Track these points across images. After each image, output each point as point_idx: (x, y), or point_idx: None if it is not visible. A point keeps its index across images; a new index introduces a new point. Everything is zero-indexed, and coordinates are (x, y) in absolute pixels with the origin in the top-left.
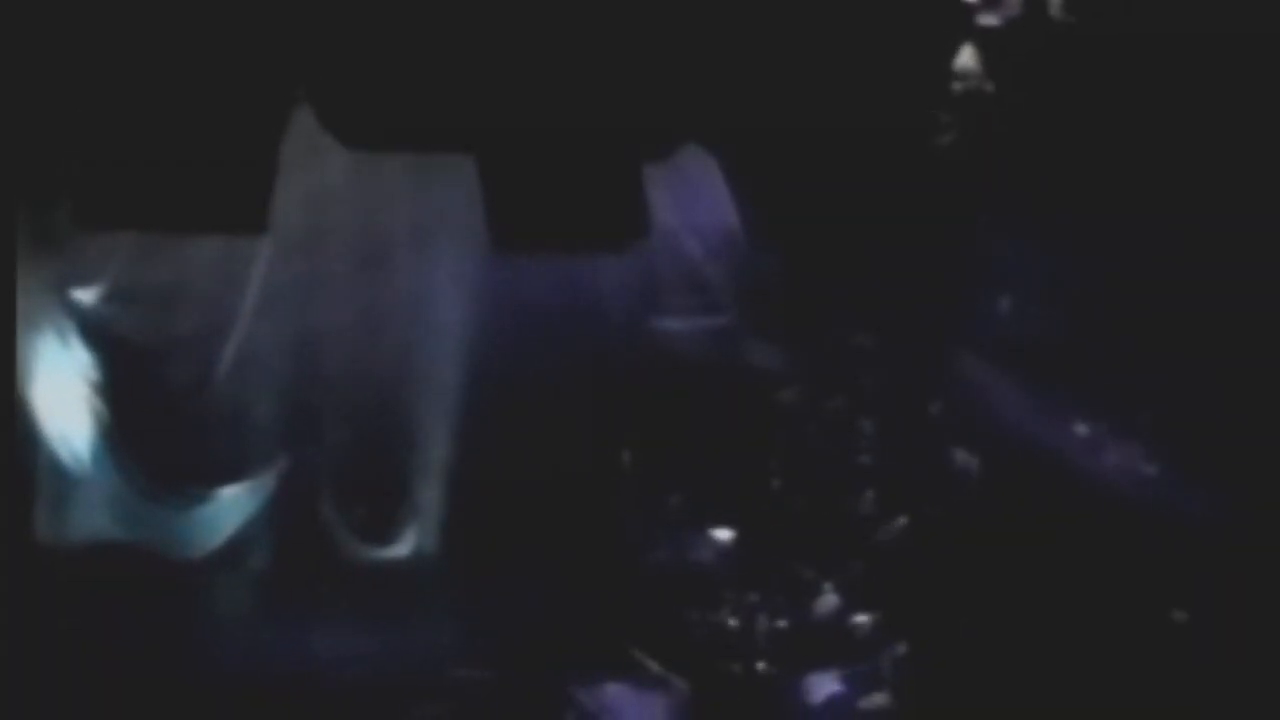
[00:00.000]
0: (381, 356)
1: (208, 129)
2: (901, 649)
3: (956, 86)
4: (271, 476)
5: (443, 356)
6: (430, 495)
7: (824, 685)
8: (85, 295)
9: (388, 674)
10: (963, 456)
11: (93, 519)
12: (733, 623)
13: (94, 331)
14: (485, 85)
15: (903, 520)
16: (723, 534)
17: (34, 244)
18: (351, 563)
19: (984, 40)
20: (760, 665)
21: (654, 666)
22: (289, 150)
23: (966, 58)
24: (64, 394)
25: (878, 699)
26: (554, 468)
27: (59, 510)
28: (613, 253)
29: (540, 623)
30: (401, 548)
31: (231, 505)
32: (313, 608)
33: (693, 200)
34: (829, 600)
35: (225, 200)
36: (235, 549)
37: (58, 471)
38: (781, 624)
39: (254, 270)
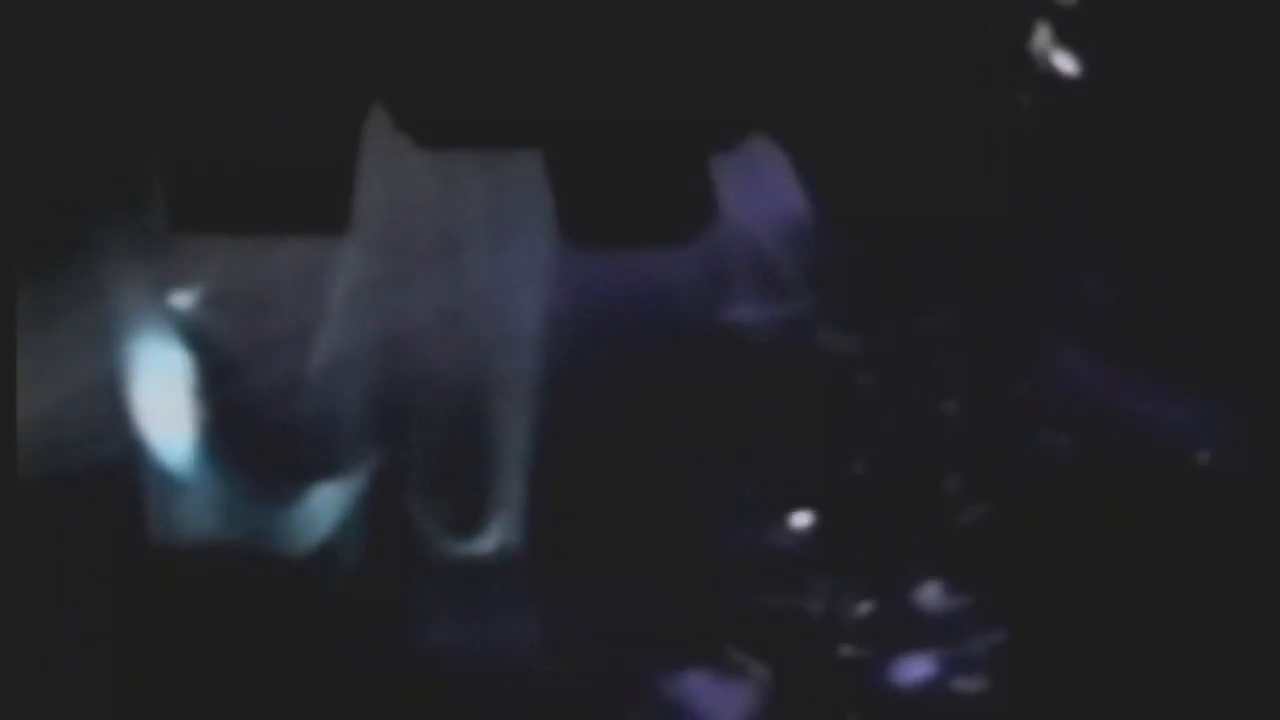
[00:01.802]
0: (461, 353)
1: (290, 132)
2: (998, 633)
3: (1032, 65)
4: (363, 475)
5: (520, 351)
6: (513, 489)
7: (914, 669)
8: (183, 299)
9: (478, 667)
10: (1052, 437)
11: (200, 520)
12: (817, 608)
13: (192, 335)
14: (553, 80)
15: (988, 503)
16: (803, 520)
17: (132, 249)
18: (440, 559)
19: (1060, 18)
20: (847, 650)
21: (736, 655)
22: (367, 151)
23: (1042, 37)
24: (166, 398)
25: (972, 683)
26: (631, 458)
27: (169, 513)
28: (681, 244)
29: (621, 613)
30: (487, 542)
31: (326, 504)
32: (405, 604)
33: (761, 187)
34: (915, 584)
35: (308, 203)
36: (330, 547)
37: (164, 475)
38: (867, 609)
39: (340, 272)
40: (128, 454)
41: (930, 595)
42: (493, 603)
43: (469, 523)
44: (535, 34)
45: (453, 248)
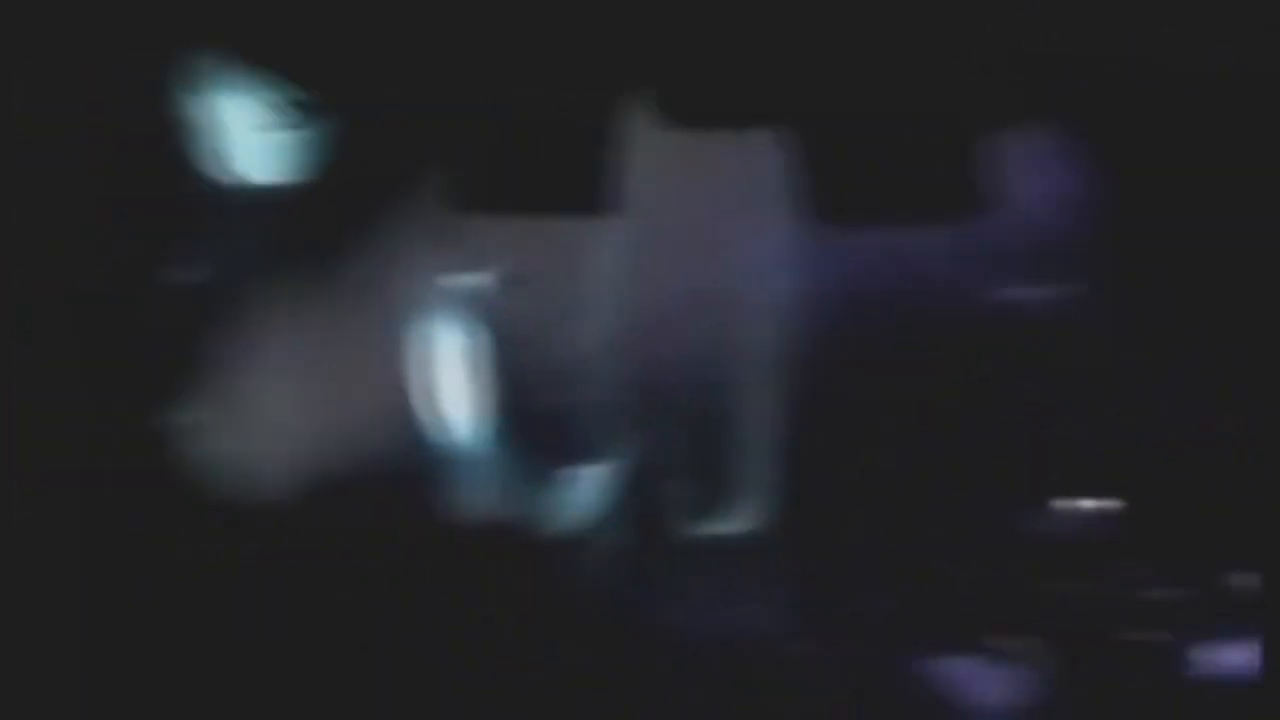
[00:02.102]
0: (712, 336)
1: (554, 115)
2: None
3: None
4: (621, 456)
5: (771, 334)
6: (761, 472)
7: (1227, 658)
8: (468, 280)
9: (729, 649)
10: None
11: (483, 499)
12: (1111, 593)
13: (478, 316)
14: (812, 57)
15: None
16: (1091, 504)
17: (423, 232)
18: (688, 541)
19: None
20: (1147, 637)
21: (1011, 643)
22: (624, 134)
23: None
24: (454, 379)
25: None
26: (885, 441)
27: (457, 492)
28: (951, 225)
29: (877, 598)
30: (735, 524)
31: (590, 484)
32: (656, 584)
33: (1033, 166)
34: (1210, 567)
35: (572, 185)
36: (591, 527)
37: (457, 454)
38: (1165, 593)
39: (601, 254)
40: (418, 437)
41: (1233, 578)
42: (740, 586)
43: (717, 505)
44: (795, 11)
45: (703, 231)
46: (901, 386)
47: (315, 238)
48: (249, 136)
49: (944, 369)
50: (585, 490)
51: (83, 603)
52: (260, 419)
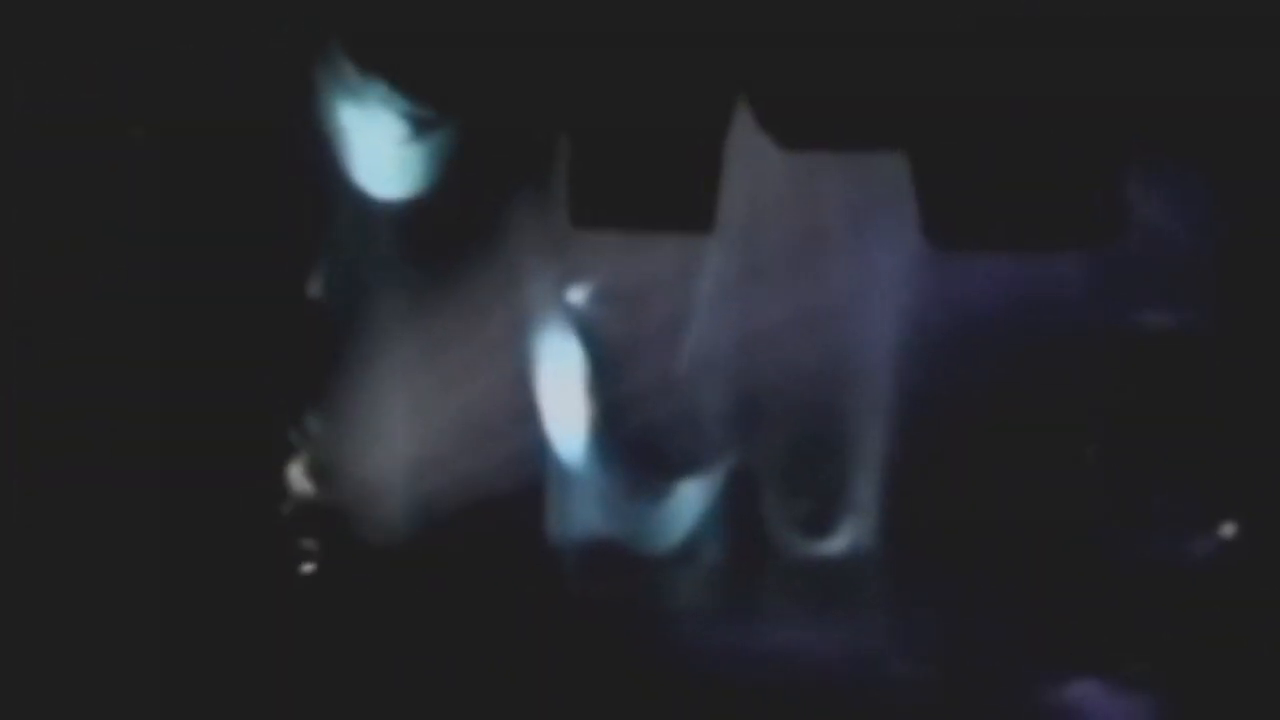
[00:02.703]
0: (819, 354)
1: (662, 129)
2: None
3: None
4: (721, 472)
5: (879, 353)
6: (867, 491)
7: None
8: (577, 295)
9: (831, 668)
10: None
11: (588, 516)
12: (1241, 618)
13: (584, 330)
14: (927, 78)
15: None
16: (1225, 529)
17: (537, 247)
18: (793, 557)
19: None
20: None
21: (1137, 666)
22: (730, 151)
23: None
24: (564, 394)
25: None
26: (997, 466)
27: (563, 508)
28: (1084, 251)
29: (990, 621)
30: (840, 543)
31: (689, 501)
32: (759, 601)
33: (1174, 191)
34: None
35: (678, 202)
36: (691, 544)
37: (562, 470)
38: None
39: (705, 271)
40: (531, 449)
41: None
42: (844, 603)
43: (822, 523)
44: (909, 31)
45: (812, 249)
46: (1018, 406)
47: (430, 251)
48: (377, 149)
49: (1062, 389)
50: (688, 505)
51: (213, 596)
52: (375, 429)
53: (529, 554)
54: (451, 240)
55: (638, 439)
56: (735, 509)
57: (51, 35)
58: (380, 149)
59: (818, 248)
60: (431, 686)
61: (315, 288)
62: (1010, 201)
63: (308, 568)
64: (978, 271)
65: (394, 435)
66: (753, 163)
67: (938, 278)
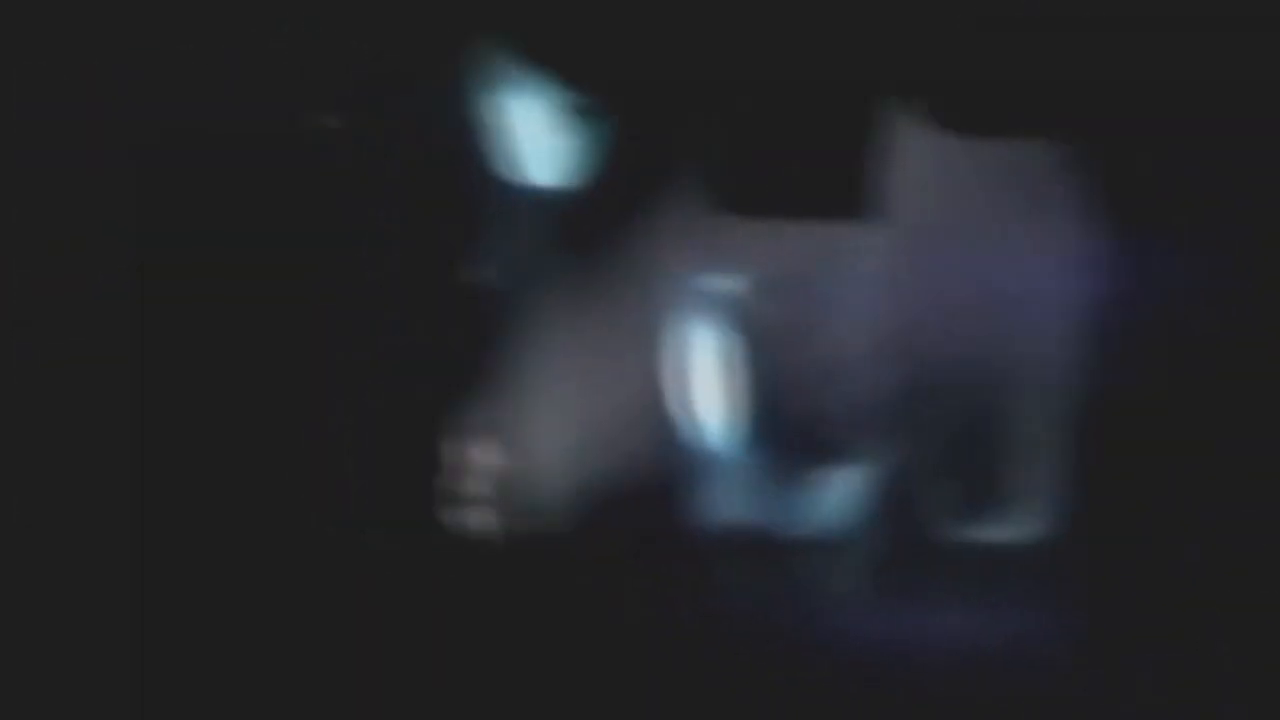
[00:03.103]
0: (983, 341)
1: (819, 117)
2: None
3: None
4: (878, 460)
5: (1047, 341)
6: (1036, 479)
7: None
8: (725, 283)
9: (989, 659)
10: None
11: (734, 503)
12: None
13: (732, 318)
14: (1098, 62)
15: None
16: None
17: (679, 234)
18: (952, 546)
19: None
20: None
21: None
22: (891, 139)
23: None
24: (710, 382)
25: None
26: (1175, 455)
27: (708, 496)
28: (1239, 233)
29: (1166, 612)
30: (1004, 531)
31: (843, 489)
32: (914, 590)
33: None
34: None
35: (835, 189)
36: (844, 532)
37: (707, 458)
38: None
39: (865, 259)
40: (674, 439)
41: None
42: (1008, 594)
43: (985, 511)
44: (1075, 15)
45: (974, 237)
46: (1193, 391)
47: (580, 238)
48: (532, 138)
49: (1235, 374)
50: (841, 494)
51: (360, 585)
52: (528, 418)
53: (673, 541)
54: (600, 229)
55: (788, 427)
56: (892, 497)
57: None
58: (533, 137)
59: (981, 235)
60: (576, 673)
61: (476, 275)
62: (1173, 186)
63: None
64: (1151, 260)
65: (544, 422)
66: (917, 149)
67: (1113, 263)
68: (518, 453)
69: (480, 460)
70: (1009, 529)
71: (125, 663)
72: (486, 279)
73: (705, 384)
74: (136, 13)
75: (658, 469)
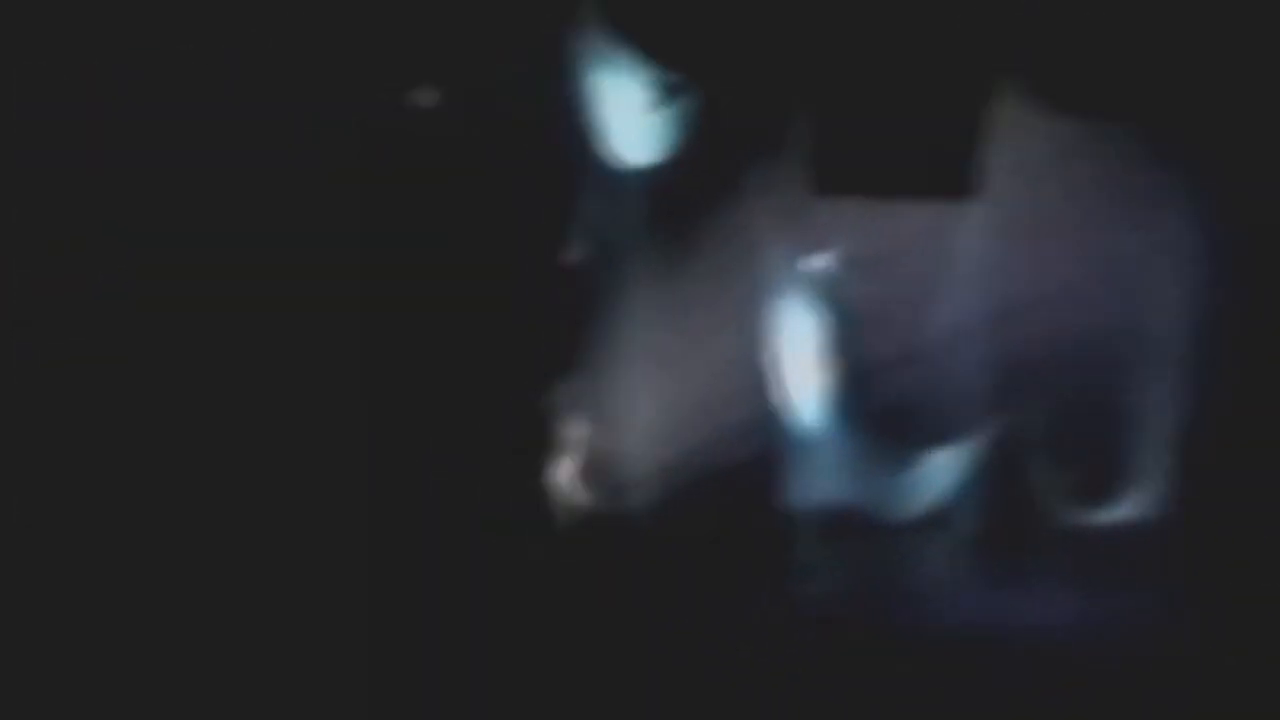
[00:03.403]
0: (1094, 320)
1: (922, 96)
2: None
3: None
4: (979, 442)
5: (1165, 320)
6: (1153, 459)
7: None
8: (818, 262)
9: (1097, 639)
10: None
11: (828, 483)
12: None
13: (824, 298)
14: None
15: None
16: None
17: (776, 214)
18: (1062, 527)
19: None
20: None
21: None
22: (997, 120)
23: None
24: (802, 362)
25: None
26: None
27: (803, 475)
28: None
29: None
30: (1119, 512)
31: (941, 469)
32: (1020, 571)
33: None
34: None
35: (936, 167)
36: (943, 512)
37: (801, 438)
38: None
39: (962, 238)
40: (768, 417)
41: None
42: (1122, 575)
43: (1100, 492)
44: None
45: (1082, 220)
46: None
47: (671, 218)
48: (628, 117)
49: None
50: (941, 474)
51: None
52: (620, 396)
53: (766, 521)
54: (692, 207)
55: (884, 407)
56: (996, 477)
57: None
58: (628, 116)
59: (1089, 219)
60: (669, 656)
61: (571, 255)
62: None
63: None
64: (1256, 242)
65: (636, 403)
66: (1014, 127)
67: (1216, 247)
68: (612, 431)
69: (576, 438)
70: (1119, 510)
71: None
72: (583, 258)
73: (800, 363)
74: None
75: (753, 449)
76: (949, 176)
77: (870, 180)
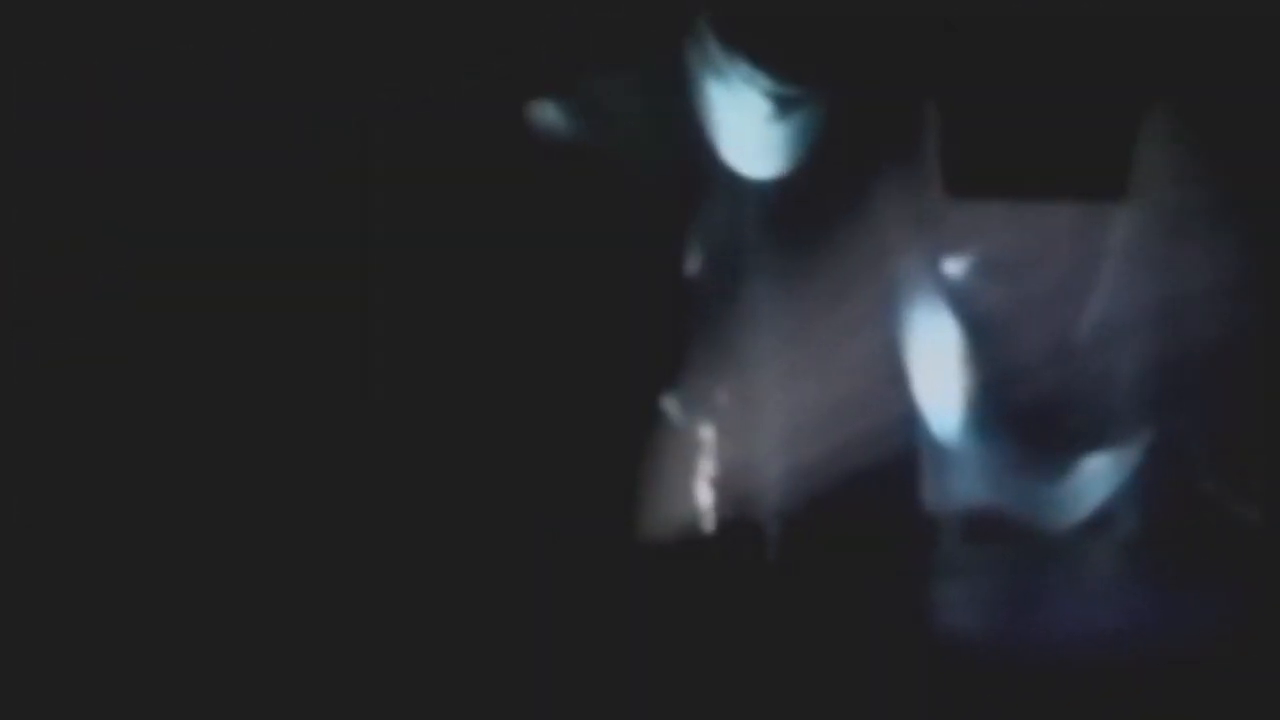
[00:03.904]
0: (1244, 322)
1: (1064, 95)
2: None
3: None
4: (1139, 447)
5: None
6: None
7: None
8: (954, 266)
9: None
10: None
11: (971, 488)
12: None
13: (962, 303)
14: None
15: None
16: None
17: (910, 219)
18: (1235, 532)
19: None
20: None
21: None
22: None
23: None
24: (939, 365)
25: None
26: None
27: (941, 480)
28: None
29: None
30: (1260, 515)
31: (1099, 475)
32: (1186, 577)
33: None
34: None
35: (1087, 168)
36: (1103, 518)
37: (937, 442)
38: None
39: (1114, 237)
40: (903, 422)
41: None
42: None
43: (1259, 498)
44: None
45: (1233, 214)
46: None
47: (798, 227)
48: (743, 128)
49: None
50: (1096, 479)
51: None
52: (750, 404)
53: (905, 526)
54: (819, 215)
55: (1030, 411)
56: (1158, 484)
57: None
58: (747, 128)
59: (1240, 213)
60: (805, 660)
61: (691, 268)
62: None
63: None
64: None
65: (766, 412)
66: (1168, 136)
67: None
68: (743, 438)
69: (706, 446)
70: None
71: None
72: (709, 267)
73: (938, 368)
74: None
75: (888, 454)
76: (1093, 178)
77: (1009, 181)
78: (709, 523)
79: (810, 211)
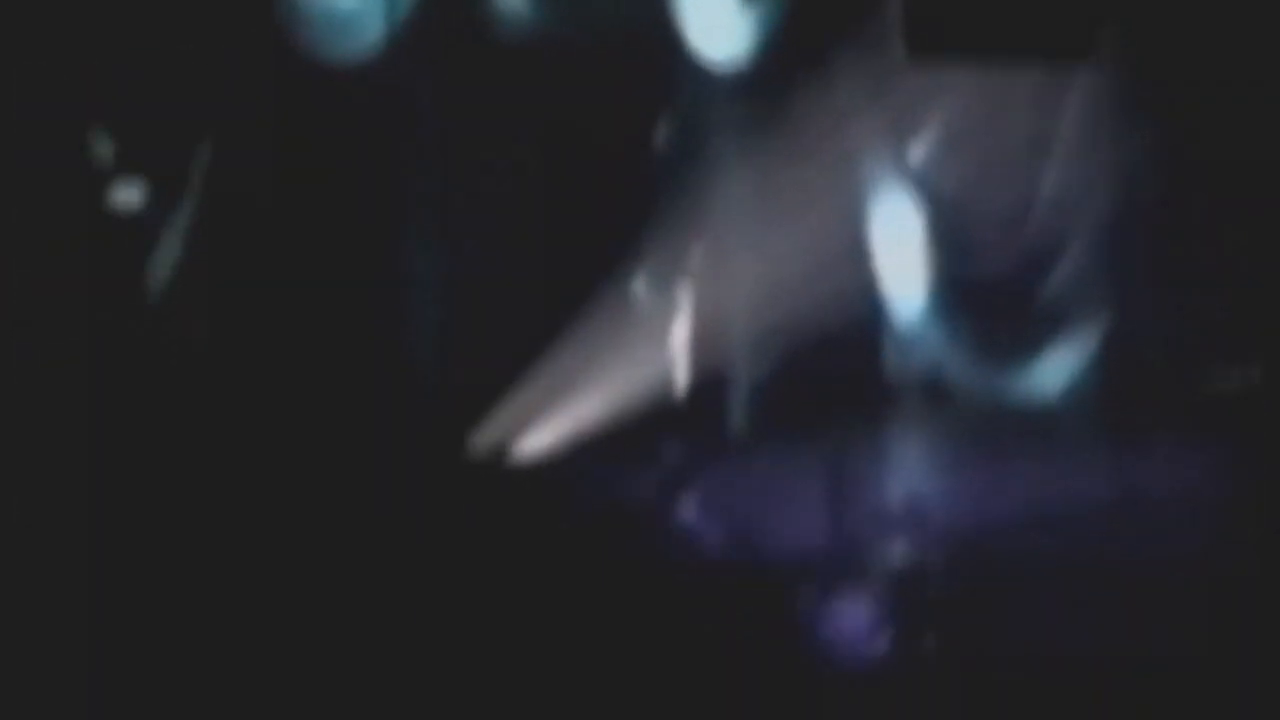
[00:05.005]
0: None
1: None
2: None
3: None
4: (1094, 336)
5: None
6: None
7: None
8: (912, 135)
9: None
10: None
11: (931, 356)
12: None
13: (919, 173)
14: None
15: None
16: None
17: (866, 86)
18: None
19: None
20: None
21: None
22: None
23: None
24: (899, 239)
25: None
26: None
27: (902, 346)
28: None
29: None
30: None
31: (1057, 365)
32: (1144, 449)
33: None
34: None
35: (1051, 28)
36: (1067, 409)
37: (900, 310)
38: None
39: (1073, 98)
40: (865, 291)
41: None
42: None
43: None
44: None
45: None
46: None
47: (761, 98)
48: (710, 12)
49: None
50: (1055, 365)
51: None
52: (718, 272)
53: (868, 388)
54: (782, 85)
55: (986, 285)
56: (1116, 368)
57: None
58: (714, 12)
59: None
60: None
61: (658, 139)
62: None
63: None
64: None
65: (733, 275)
66: None
67: None
68: (716, 298)
69: (683, 307)
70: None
71: None
72: (677, 149)
73: (900, 241)
74: None
75: (851, 317)
76: (1066, 35)
77: (975, 45)
78: (681, 386)
79: (774, 84)
